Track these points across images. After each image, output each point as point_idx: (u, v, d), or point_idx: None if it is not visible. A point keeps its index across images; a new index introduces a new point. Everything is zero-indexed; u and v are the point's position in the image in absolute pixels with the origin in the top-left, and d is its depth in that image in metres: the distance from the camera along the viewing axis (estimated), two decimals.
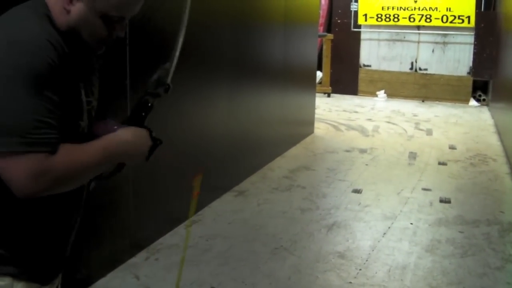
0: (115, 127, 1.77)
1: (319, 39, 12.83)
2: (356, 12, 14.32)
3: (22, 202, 1.57)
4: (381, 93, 14.27)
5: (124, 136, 1.73)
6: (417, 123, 10.82)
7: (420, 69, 14.14)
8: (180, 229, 4.92)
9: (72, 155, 1.56)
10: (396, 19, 14.01)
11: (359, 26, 14.46)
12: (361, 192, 6.21)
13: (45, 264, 1.73)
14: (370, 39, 14.53)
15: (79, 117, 1.67)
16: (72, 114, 1.62)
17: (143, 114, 1.85)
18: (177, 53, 1.97)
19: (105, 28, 1.68)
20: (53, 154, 1.50)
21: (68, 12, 1.62)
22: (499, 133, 9.73)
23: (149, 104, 1.87)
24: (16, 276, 1.64)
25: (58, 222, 1.73)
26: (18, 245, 1.64)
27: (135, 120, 1.84)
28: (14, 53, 1.47)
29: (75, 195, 1.75)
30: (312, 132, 9.40)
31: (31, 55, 1.48)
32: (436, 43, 13.94)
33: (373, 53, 14.52)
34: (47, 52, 1.50)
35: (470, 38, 13.43)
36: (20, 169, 1.47)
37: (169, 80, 1.92)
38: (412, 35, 14.12)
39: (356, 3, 14.26)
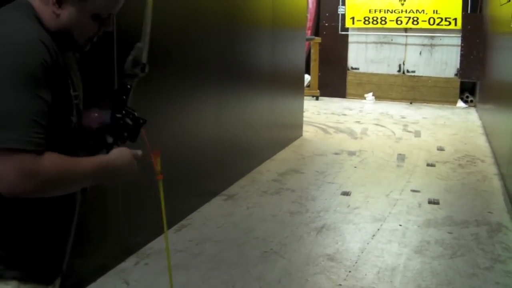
0: (96, 114, 1.80)
1: (307, 42, 12.85)
2: (343, 15, 14.36)
3: (22, 204, 1.59)
4: (369, 96, 14.31)
5: (116, 162, 1.76)
6: (405, 125, 10.86)
7: (407, 71, 14.20)
8: (170, 234, 4.92)
9: (62, 161, 1.57)
10: (383, 22, 14.06)
11: (347, 29, 14.50)
12: (350, 195, 6.22)
13: (48, 263, 1.74)
14: (358, 42, 14.57)
15: (70, 112, 1.70)
16: (63, 110, 1.65)
17: (124, 97, 1.88)
18: (148, 31, 1.98)
19: (95, 25, 1.73)
20: (41, 155, 1.51)
21: (58, 16, 1.64)
22: (487, 134, 9.78)
23: (128, 86, 1.90)
24: (22, 279, 1.65)
25: (58, 220, 1.75)
26: (22, 247, 1.65)
27: (118, 104, 1.86)
28: (9, 54, 1.49)
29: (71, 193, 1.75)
30: (300, 135, 9.41)
31: (26, 56, 1.50)
32: (424, 45, 14.00)
33: (361, 55, 14.56)
34: (40, 53, 1.53)
35: (457, 40, 13.50)
36: (11, 167, 1.47)
37: (144, 59, 1.93)
38: (400, 38, 14.17)
39: (343, 6, 14.30)
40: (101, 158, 1.74)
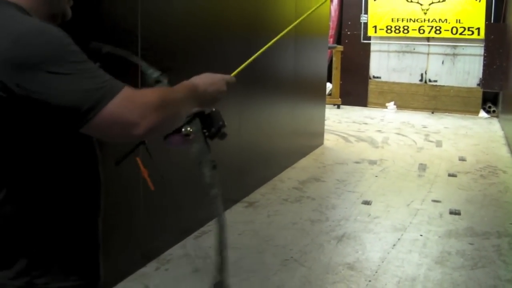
0: None
1: (329, 50, 12.86)
2: (365, 24, 14.34)
3: (62, 206, 1.59)
4: (391, 105, 14.26)
5: (200, 86, 1.78)
6: (426, 135, 10.81)
7: (429, 80, 14.13)
8: (190, 240, 4.94)
9: (156, 89, 1.61)
10: (405, 31, 14.02)
11: (369, 38, 14.47)
12: (370, 204, 6.21)
13: (93, 261, 1.73)
14: (380, 51, 14.53)
15: None
16: None
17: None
18: None
19: None
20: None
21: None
22: (509, 144, 9.70)
23: None
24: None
25: (89, 213, 1.72)
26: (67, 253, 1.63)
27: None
28: (40, 44, 1.42)
29: (96, 190, 1.74)
30: (322, 143, 9.41)
31: (54, 35, 1.45)
32: (446, 54, 13.93)
33: (382, 64, 14.52)
34: (53, 26, 1.48)
35: (479, 49, 13.42)
36: (127, 104, 1.45)
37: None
38: (422, 47, 14.11)
39: (365, 15, 14.29)
40: (186, 84, 1.74)
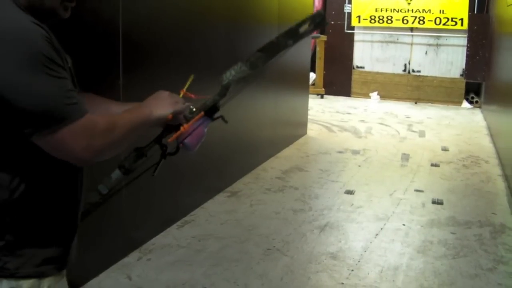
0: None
1: (313, 40, 12.85)
2: (349, 14, 14.35)
3: (31, 190, 1.57)
4: (374, 95, 14.30)
5: (154, 113, 1.81)
6: (409, 125, 10.85)
7: (413, 71, 14.18)
8: (173, 230, 4.92)
9: (106, 117, 1.65)
10: (389, 21, 14.05)
11: (353, 28, 14.49)
12: (353, 193, 6.22)
13: (62, 246, 1.72)
14: (364, 41, 14.56)
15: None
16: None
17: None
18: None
19: None
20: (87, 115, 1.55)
21: None
22: (492, 135, 9.77)
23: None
24: (39, 275, 1.63)
25: (67, 200, 1.71)
26: (35, 232, 1.62)
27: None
28: (12, 43, 1.42)
29: (74, 171, 1.72)
30: (305, 133, 9.41)
31: (30, 38, 1.45)
32: (429, 45, 13.99)
33: (366, 54, 14.55)
34: (38, 30, 1.48)
35: (463, 40, 13.48)
36: (79, 135, 1.50)
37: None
38: (405, 37, 14.15)
39: (349, 5, 14.29)
40: (139, 112, 1.77)
